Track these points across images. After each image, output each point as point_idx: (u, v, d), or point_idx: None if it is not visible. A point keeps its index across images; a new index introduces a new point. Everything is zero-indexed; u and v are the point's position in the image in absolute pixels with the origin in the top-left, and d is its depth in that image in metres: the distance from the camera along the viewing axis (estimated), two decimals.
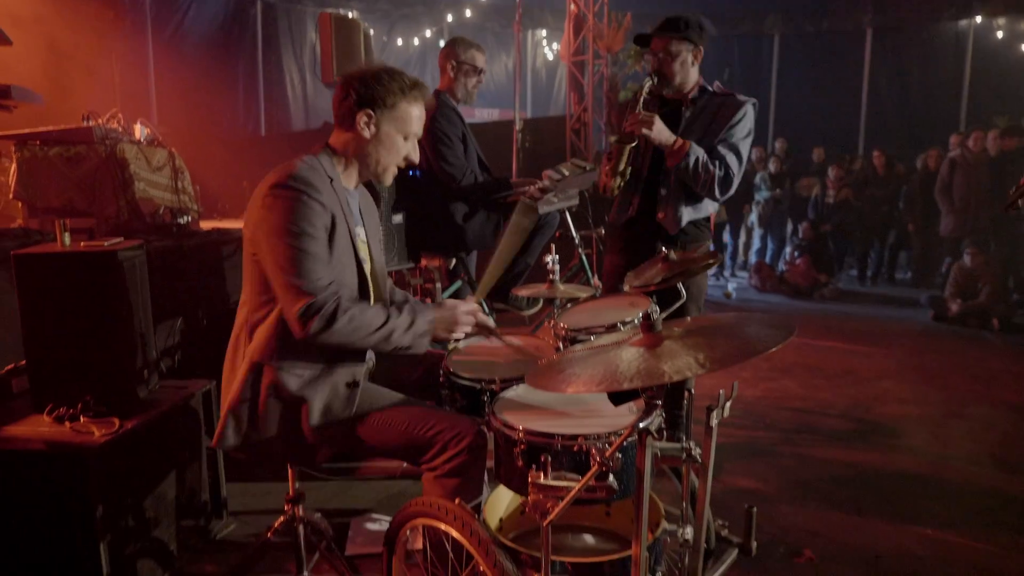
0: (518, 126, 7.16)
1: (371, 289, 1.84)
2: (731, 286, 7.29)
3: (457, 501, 1.51)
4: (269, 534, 1.97)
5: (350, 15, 10.43)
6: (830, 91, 10.69)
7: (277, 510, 2.01)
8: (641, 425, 1.31)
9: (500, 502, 1.85)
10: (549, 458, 1.40)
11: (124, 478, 2.01)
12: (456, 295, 3.83)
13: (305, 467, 1.78)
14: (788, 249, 7.58)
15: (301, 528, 1.98)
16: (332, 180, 1.77)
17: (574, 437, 1.46)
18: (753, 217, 8.53)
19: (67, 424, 2.01)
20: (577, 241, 3.54)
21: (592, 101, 6.88)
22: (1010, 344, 5.09)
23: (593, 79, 6.87)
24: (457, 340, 1.86)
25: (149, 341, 2.35)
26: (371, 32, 7.57)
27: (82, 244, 2.24)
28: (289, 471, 1.93)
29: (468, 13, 10.79)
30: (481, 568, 1.42)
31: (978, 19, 9.90)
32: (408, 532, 1.63)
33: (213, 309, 3.76)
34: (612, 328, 1.88)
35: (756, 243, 8.63)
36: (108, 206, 3.96)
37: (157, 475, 2.18)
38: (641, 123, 2.39)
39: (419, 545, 1.65)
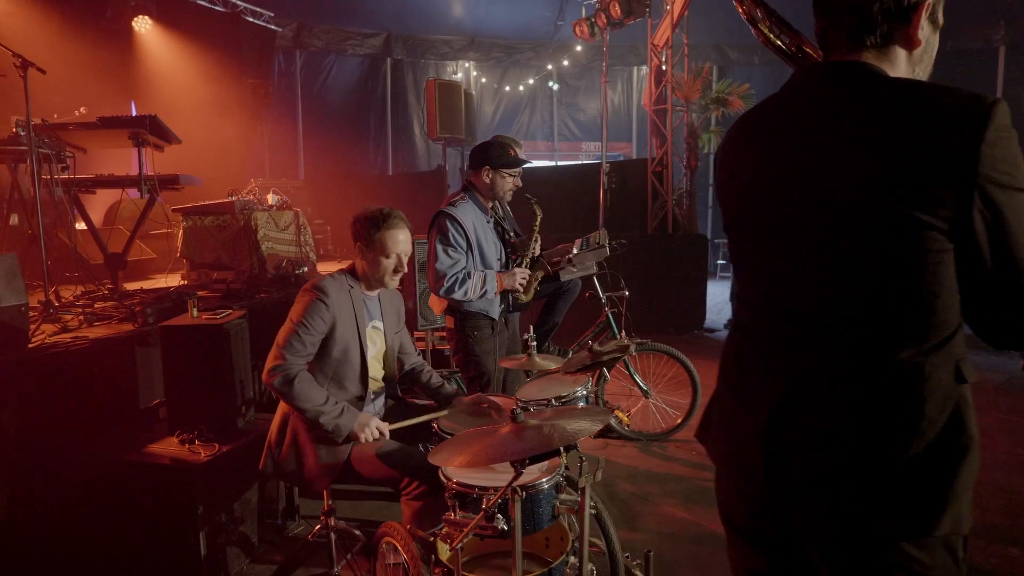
0: (605, 169, 7.69)
1: (370, 366, 2.55)
2: None
3: (408, 527, 2.16)
4: (309, 537, 2.73)
5: (467, 64, 11.48)
6: None
7: (345, 518, 2.77)
8: (514, 484, 1.89)
9: None
10: (456, 503, 2.01)
11: (220, 486, 2.86)
12: None
13: (311, 491, 2.50)
14: None
15: (332, 535, 2.71)
16: (351, 288, 2.50)
17: (485, 488, 2.04)
18: None
19: (187, 446, 2.91)
20: (604, 301, 4.05)
21: (671, 145, 7.25)
22: None
23: (673, 125, 7.23)
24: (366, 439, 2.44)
25: (247, 385, 3.23)
26: (472, 92, 8.44)
27: (203, 316, 3.14)
28: (324, 491, 2.67)
29: (568, 60, 11.42)
30: (413, 573, 2.06)
31: None
32: (384, 544, 2.30)
33: None
34: (549, 401, 2.45)
35: None
36: (244, 262, 5.05)
37: (244, 485, 3.02)
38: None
39: (392, 560, 2.31)
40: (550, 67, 11.50)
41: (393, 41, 10.97)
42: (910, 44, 1.16)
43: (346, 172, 10.27)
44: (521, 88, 11.79)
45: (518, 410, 1.89)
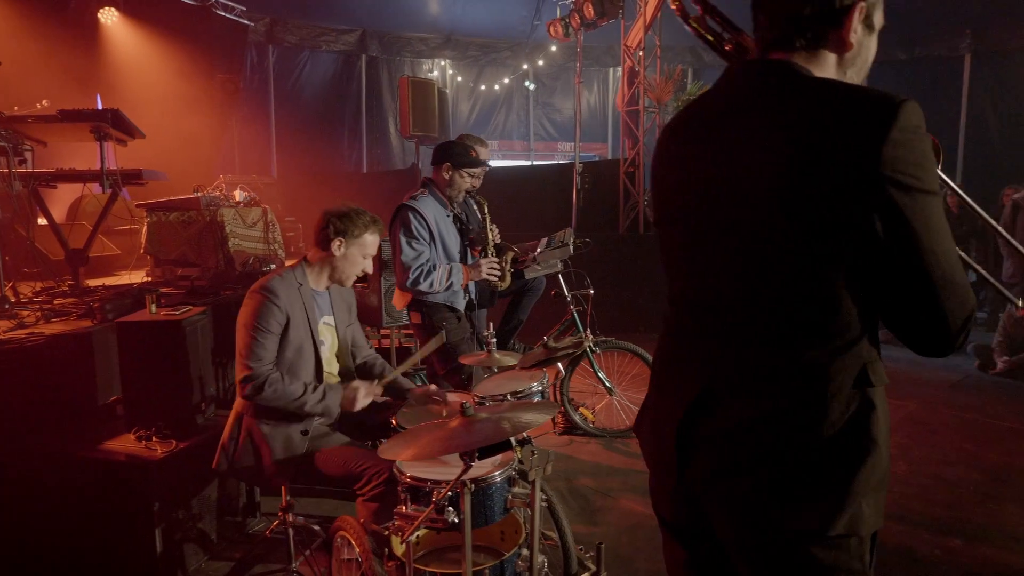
0: (578, 169, 7.74)
1: (323, 361, 2.56)
2: None
3: (363, 520, 2.17)
4: (267, 533, 2.72)
5: (443, 62, 11.46)
6: (925, 119, 10.25)
7: (303, 514, 2.78)
8: (464, 478, 1.91)
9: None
10: (408, 496, 2.03)
11: (178, 483, 2.84)
12: None
13: (268, 489, 2.51)
14: None
15: (291, 530, 2.70)
16: (300, 286, 2.50)
17: (437, 482, 2.07)
18: None
19: (143, 443, 2.88)
20: (569, 299, 4.09)
21: (643, 146, 7.33)
22: None
23: (645, 126, 7.31)
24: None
25: (208, 381, 3.21)
26: (446, 90, 8.45)
27: (162, 312, 3.12)
28: (282, 487, 2.67)
29: (544, 60, 11.46)
30: (364, 567, 2.07)
31: None
32: (338, 539, 2.31)
33: None
34: (505, 396, 2.48)
35: None
36: (210, 258, 5.00)
37: (203, 482, 3.01)
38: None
39: (346, 555, 2.32)
40: (525, 67, 11.55)
41: (368, 38, 10.92)
42: (842, 47, 1.14)
43: (320, 170, 10.20)
44: (497, 87, 11.82)
45: (467, 404, 1.91)
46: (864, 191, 1.00)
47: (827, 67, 1.15)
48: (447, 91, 9.53)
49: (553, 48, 11.11)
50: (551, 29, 8.13)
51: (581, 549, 2.43)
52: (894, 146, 0.98)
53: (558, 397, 4.22)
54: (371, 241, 2.57)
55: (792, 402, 1.07)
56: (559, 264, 3.88)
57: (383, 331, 4.41)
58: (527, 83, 11.80)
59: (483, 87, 11.83)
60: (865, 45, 1.17)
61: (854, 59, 1.16)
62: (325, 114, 10.87)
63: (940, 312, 1.02)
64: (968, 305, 1.04)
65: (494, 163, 11.82)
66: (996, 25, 9.68)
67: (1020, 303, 2.00)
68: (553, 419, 4.34)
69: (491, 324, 2.94)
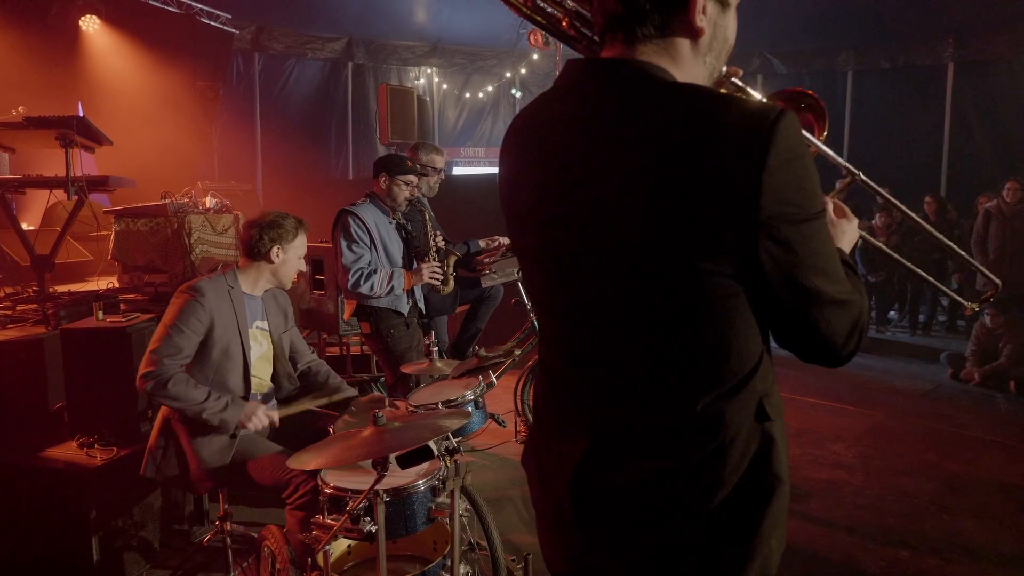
0: None
1: (255, 367, 2.56)
2: None
3: (286, 530, 2.16)
4: (204, 542, 2.71)
5: (429, 70, 11.50)
6: (909, 129, 10.30)
7: (244, 522, 2.78)
8: (377, 487, 1.90)
9: None
10: (325, 504, 2.02)
11: (117, 491, 2.83)
12: None
13: (194, 493, 2.49)
14: None
15: (228, 539, 2.69)
16: (231, 288, 2.50)
17: (358, 492, 2.05)
18: None
19: (84, 450, 2.87)
20: (528, 307, 4.08)
21: None
22: (1020, 411, 4.96)
23: None
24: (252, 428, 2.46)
25: None
26: (426, 98, 8.47)
27: (108, 319, 3.11)
28: (220, 496, 2.65)
29: (530, 68, 11.48)
30: None
31: None
32: (265, 549, 2.29)
33: None
34: (437, 405, 2.47)
35: None
36: (176, 265, 5.00)
37: (146, 490, 2.99)
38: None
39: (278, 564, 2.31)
40: (510, 75, 11.58)
41: (355, 46, 10.94)
42: (692, 33, 1.00)
43: (306, 176, 10.20)
44: (482, 95, 11.85)
45: (379, 413, 1.91)
46: (744, 223, 0.89)
47: (682, 58, 1.01)
48: (429, 99, 9.54)
49: (535, 56, 11.13)
50: (531, 38, 8.18)
51: (513, 560, 2.42)
52: (773, 173, 0.87)
53: (518, 405, 4.20)
54: (303, 242, 2.67)
55: (688, 455, 0.98)
56: (516, 272, 3.87)
57: (343, 338, 4.41)
58: (513, 91, 11.82)
59: (469, 95, 11.85)
60: (720, 25, 1.03)
61: (710, 44, 1.03)
62: (311, 121, 10.88)
63: (828, 330, 0.97)
64: (852, 316, 0.99)
65: (481, 171, 11.82)
66: (978, 34, 9.70)
67: (969, 305, 2.01)
68: (515, 427, 4.32)
69: (433, 334, 2.93)
